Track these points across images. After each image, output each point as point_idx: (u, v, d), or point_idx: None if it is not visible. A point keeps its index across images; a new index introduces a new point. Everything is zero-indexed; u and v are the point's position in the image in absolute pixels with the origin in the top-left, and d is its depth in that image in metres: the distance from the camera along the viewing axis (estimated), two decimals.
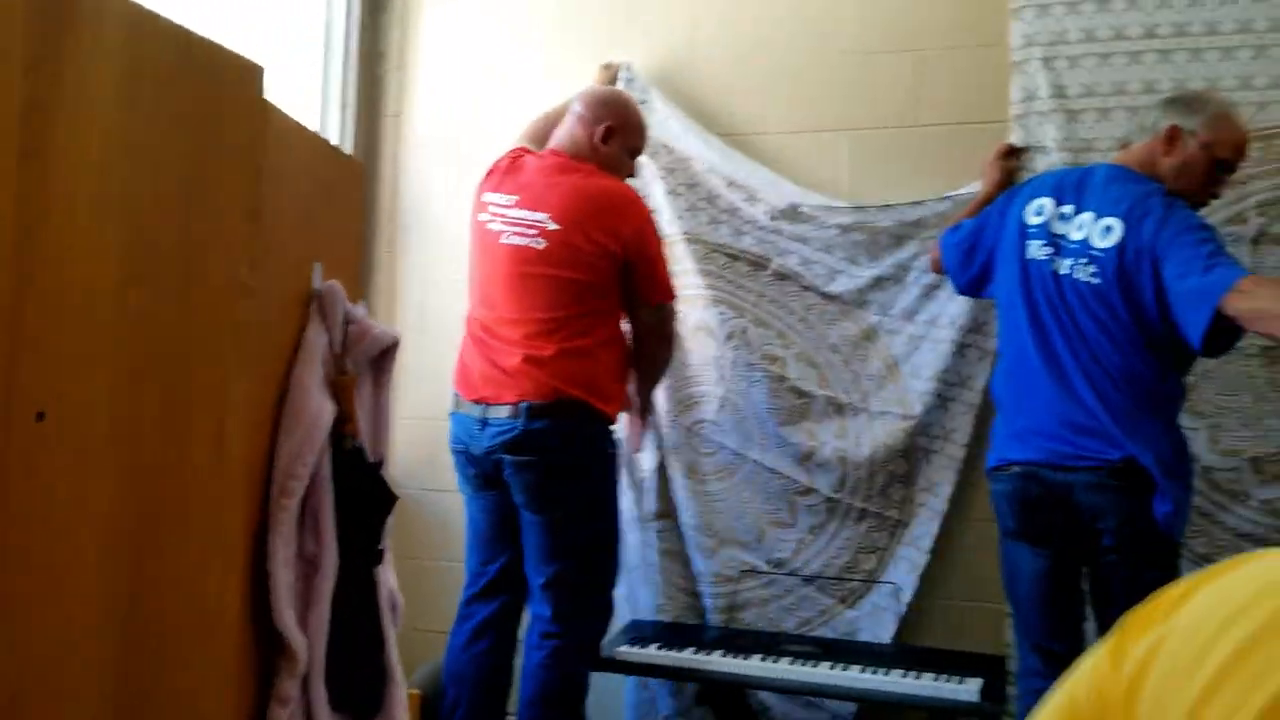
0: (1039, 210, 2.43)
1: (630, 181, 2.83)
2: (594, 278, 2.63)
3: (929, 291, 2.97)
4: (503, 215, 2.68)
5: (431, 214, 3.45)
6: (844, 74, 3.13)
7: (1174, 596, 0.77)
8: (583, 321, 2.62)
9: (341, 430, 1.67)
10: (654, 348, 2.80)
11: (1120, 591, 2.31)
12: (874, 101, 3.10)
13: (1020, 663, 2.55)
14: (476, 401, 2.66)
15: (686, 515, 3.09)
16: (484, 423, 2.63)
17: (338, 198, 1.76)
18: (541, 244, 2.61)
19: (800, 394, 3.04)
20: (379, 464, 1.82)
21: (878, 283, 3.00)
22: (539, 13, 3.43)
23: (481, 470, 2.68)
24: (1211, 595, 0.74)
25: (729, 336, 3.08)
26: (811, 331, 3.04)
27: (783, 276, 3.07)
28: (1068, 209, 2.40)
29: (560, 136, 2.75)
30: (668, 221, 3.10)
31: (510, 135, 2.94)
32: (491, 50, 3.47)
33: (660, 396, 3.07)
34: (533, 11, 3.44)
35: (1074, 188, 2.44)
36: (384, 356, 1.80)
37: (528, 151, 2.80)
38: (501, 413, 2.61)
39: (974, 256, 2.62)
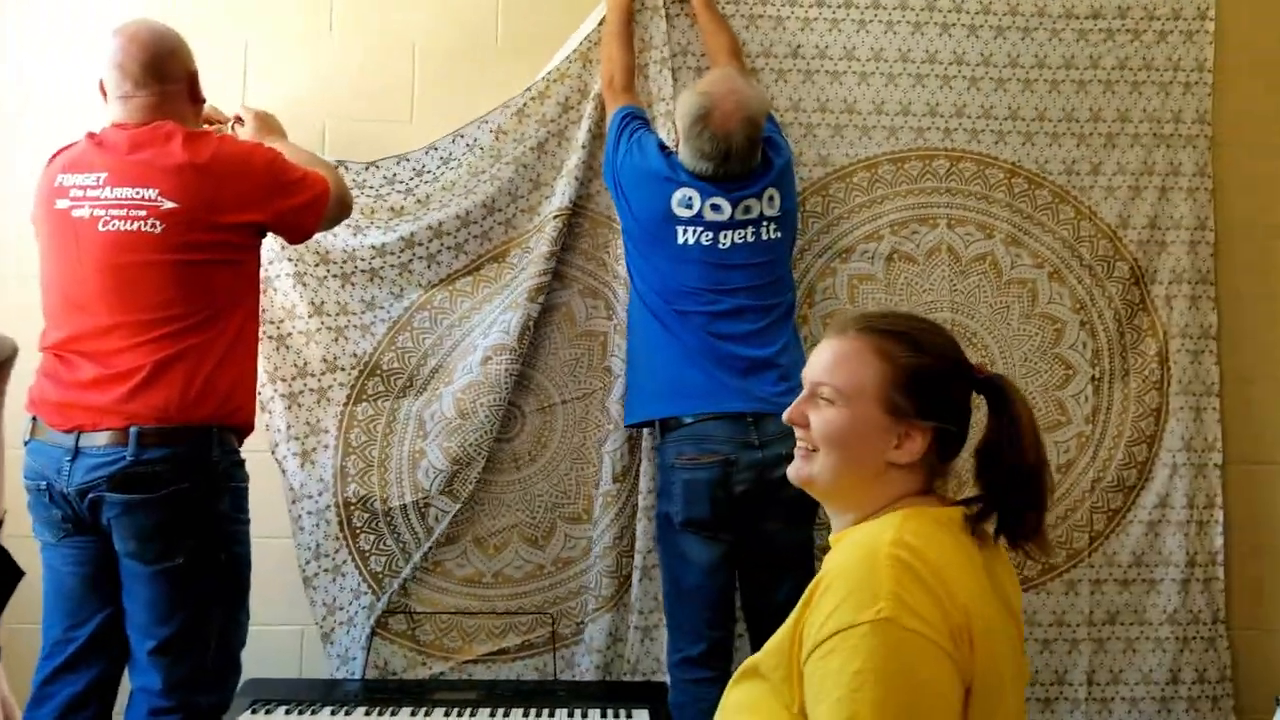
0: (687, 202, 2.55)
1: None
2: (230, 255, 2.27)
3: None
4: (93, 199, 2.21)
5: None
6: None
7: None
8: (210, 318, 2.22)
9: None
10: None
11: (798, 557, 2.49)
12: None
13: (678, 662, 2.52)
14: (68, 430, 2.15)
15: None
16: (76, 453, 2.14)
17: None
18: (157, 226, 2.17)
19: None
20: None
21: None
22: None
23: (70, 512, 2.19)
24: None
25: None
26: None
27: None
28: (718, 200, 2.54)
29: (129, 111, 2.28)
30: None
31: (89, 107, 2.39)
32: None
33: None
34: None
35: (707, 182, 2.56)
36: None
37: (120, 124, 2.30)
38: (101, 440, 2.14)
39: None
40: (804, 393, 1.39)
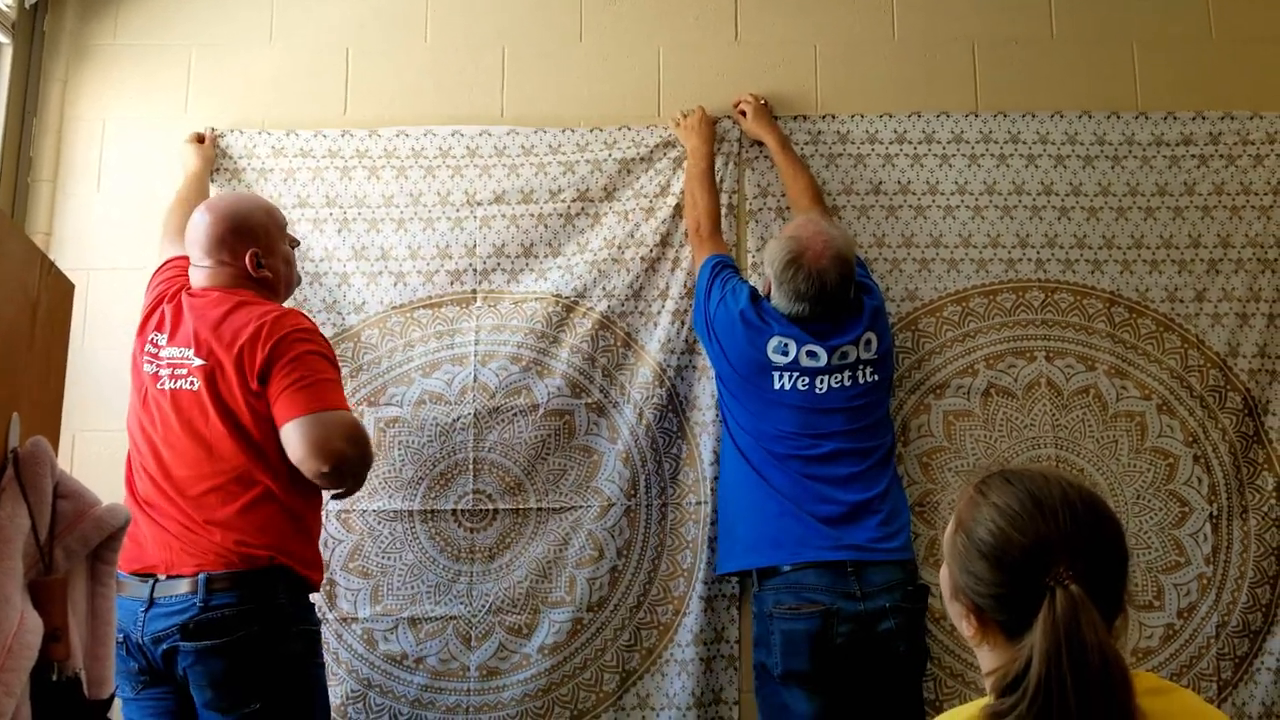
0: (782, 349, 2.54)
1: None
2: (252, 420, 2.20)
3: None
4: (157, 356, 2.30)
5: (86, 350, 2.83)
6: None
7: None
8: (264, 477, 2.20)
9: (47, 654, 1.16)
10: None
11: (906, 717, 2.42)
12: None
13: None
14: (142, 573, 2.17)
15: None
16: (150, 603, 2.14)
17: (45, 327, 1.27)
18: (196, 384, 2.23)
19: None
20: (104, 704, 1.29)
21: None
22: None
23: (146, 663, 2.17)
24: None
25: None
26: None
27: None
28: (814, 348, 2.53)
29: (199, 278, 2.37)
30: None
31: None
32: (162, 174, 2.97)
33: None
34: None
35: (802, 329, 2.55)
36: (106, 545, 1.30)
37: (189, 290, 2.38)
38: (172, 589, 2.14)
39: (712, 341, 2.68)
40: None
